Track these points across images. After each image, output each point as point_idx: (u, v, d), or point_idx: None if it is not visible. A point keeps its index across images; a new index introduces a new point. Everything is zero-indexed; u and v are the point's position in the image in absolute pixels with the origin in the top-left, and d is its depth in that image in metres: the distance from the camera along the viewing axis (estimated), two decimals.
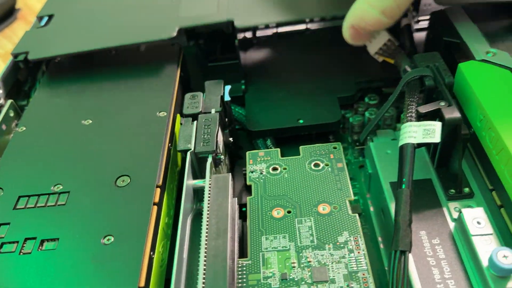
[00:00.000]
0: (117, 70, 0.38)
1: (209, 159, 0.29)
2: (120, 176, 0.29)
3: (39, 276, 0.24)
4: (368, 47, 0.42)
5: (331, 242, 0.27)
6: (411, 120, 0.29)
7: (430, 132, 0.28)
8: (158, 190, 0.28)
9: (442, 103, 0.29)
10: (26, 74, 0.42)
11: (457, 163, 0.30)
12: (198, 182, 0.29)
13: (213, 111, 0.32)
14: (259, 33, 0.48)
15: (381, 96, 0.41)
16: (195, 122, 0.31)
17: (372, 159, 0.33)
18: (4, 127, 0.36)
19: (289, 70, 0.42)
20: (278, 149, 0.33)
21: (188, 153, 0.29)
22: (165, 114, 0.33)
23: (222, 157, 0.30)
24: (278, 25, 0.47)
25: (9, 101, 0.37)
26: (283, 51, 0.45)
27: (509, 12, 0.37)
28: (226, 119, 0.35)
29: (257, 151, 0.33)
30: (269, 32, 0.48)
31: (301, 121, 0.37)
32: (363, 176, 0.37)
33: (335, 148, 0.32)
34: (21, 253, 0.25)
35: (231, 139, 0.36)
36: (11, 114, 0.37)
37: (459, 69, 0.33)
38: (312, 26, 0.47)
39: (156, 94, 0.35)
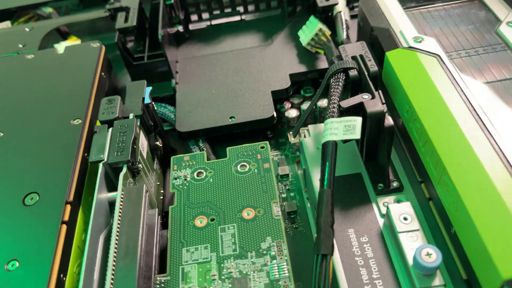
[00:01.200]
0: (32, 76, 0.35)
1: (124, 169, 0.27)
2: (28, 194, 0.27)
3: None
4: (300, 37, 0.41)
5: (254, 249, 0.25)
6: (332, 116, 0.28)
7: (351, 128, 0.26)
8: (69, 206, 0.26)
9: (365, 96, 0.28)
10: None
11: (384, 156, 0.29)
12: (113, 195, 0.27)
13: (131, 115, 0.30)
14: (192, 26, 0.45)
15: (317, 87, 0.40)
16: (110, 129, 0.29)
17: (304, 155, 0.32)
18: None
19: (222, 66, 0.40)
20: (204, 153, 0.31)
21: (100, 165, 0.27)
22: (80, 121, 0.31)
23: (141, 165, 0.29)
24: (212, 16, 0.45)
25: None
26: (217, 44, 0.43)
27: None
28: (151, 123, 0.33)
29: (182, 155, 0.31)
30: (203, 24, 0.46)
31: (233, 118, 0.36)
32: (300, 170, 0.36)
33: (262, 147, 0.31)
34: None
35: (158, 142, 0.34)
36: None
37: (386, 58, 0.32)
38: (246, 17, 0.46)
39: (70, 100, 0.32)
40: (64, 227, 0.25)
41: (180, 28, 0.43)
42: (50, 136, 0.30)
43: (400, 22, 0.33)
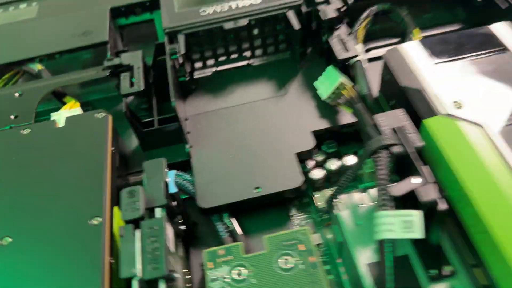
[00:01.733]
0: (32, 157, 0.31)
1: (161, 286, 0.24)
2: None
3: None
4: (318, 89, 0.38)
5: None
6: (385, 208, 0.25)
7: (409, 225, 0.25)
8: None
9: (415, 181, 0.26)
10: None
11: (438, 239, 0.27)
12: None
13: (157, 212, 0.27)
14: (197, 74, 0.42)
15: (339, 139, 0.38)
16: (137, 232, 0.26)
17: (341, 231, 0.30)
18: None
19: (237, 122, 0.37)
20: (240, 245, 0.28)
21: (135, 282, 0.24)
22: (100, 220, 0.27)
23: (176, 275, 0.26)
24: (217, 63, 0.42)
25: None
26: (226, 96, 0.40)
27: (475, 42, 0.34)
28: (175, 206, 0.30)
29: (215, 249, 0.28)
30: (208, 71, 0.42)
31: (259, 189, 0.33)
32: (331, 234, 0.34)
33: (304, 235, 0.28)
34: None
35: (182, 227, 0.31)
36: None
37: (423, 126, 0.30)
38: (254, 61, 0.43)
39: (82, 190, 0.29)
40: None
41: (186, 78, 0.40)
42: (66, 240, 0.27)
43: (435, 82, 0.31)
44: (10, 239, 0.27)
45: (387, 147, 0.28)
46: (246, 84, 0.41)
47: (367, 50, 0.41)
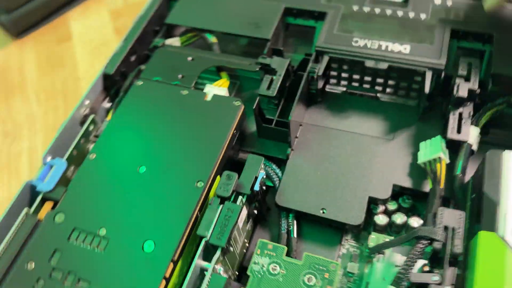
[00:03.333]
0: (180, 115, 0.42)
1: (218, 252, 0.34)
2: (146, 240, 0.35)
3: None
4: (420, 150, 0.41)
5: None
6: (396, 286, 0.31)
7: None
8: (171, 264, 0.34)
9: (435, 278, 0.31)
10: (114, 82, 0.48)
11: None
12: (206, 265, 0.35)
13: (239, 199, 0.36)
14: (327, 88, 0.48)
15: (418, 196, 0.42)
16: (220, 206, 0.36)
17: (370, 276, 0.36)
18: (82, 141, 0.44)
19: (337, 147, 0.44)
20: (285, 248, 0.37)
21: (203, 241, 0.34)
22: (202, 185, 0.38)
23: (232, 248, 0.36)
24: (349, 87, 0.47)
25: (91, 117, 0.44)
26: (343, 118, 0.46)
27: None
28: (256, 196, 0.39)
29: (267, 242, 0.37)
30: (338, 90, 0.48)
31: (324, 211, 0.40)
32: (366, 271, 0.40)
33: (333, 268, 0.35)
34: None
35: (256, 211, 0.40)
36: (91, 128, 0.45)
37: (478, 237, 0.33)
38: (382, 96, 0.47)
39: (201, 155, 0.39)
40: (164, 282, 0.34)
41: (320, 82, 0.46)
42: (173, 190, 0.38)
43: (510, 203, 0.34)
44: (145, 168, 0.39)
45: (432, 240, 0.32)
46: (365, 115, 0.46)
47: (485, 133, 0.42)
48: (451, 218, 0.33)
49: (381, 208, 0.42)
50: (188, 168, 0.39)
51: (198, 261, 0.34)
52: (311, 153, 0.44)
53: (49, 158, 0.41)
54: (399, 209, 0.42)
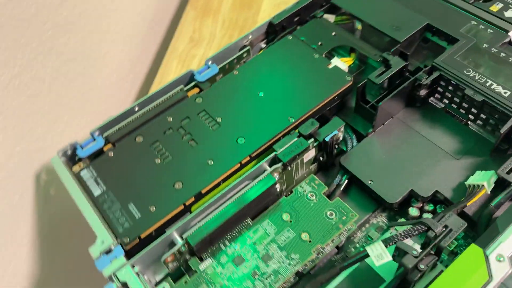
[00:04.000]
0: (306, 67, 0.56)
1: (279, 164, 0.48)
2: (241, 136, 0.51)
3: None
4: (474, 175, 0.48)
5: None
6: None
7: (380, 255, 0.40)
8: (248, 158, 0.49)
9: (415, 252, 0.40)
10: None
11: None
12: (267, 168, 0.48)
13: (310, 141, 0.49)
14: (431, 100, 0.56)
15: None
16: (296, 138, 0.49)
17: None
18: (235, 61, 0.60)
19: (411, 148, 0.52)
20: (326, 187, 0.49)
21: (273, 153, 0.48)
22: (292, 120, 0.51)
23: (291, 170, 0.49)
24: (448, 105, 0.55)
25: (247, 48, 0.60)
26: (432, 127, 0.54)
27: None
28: (327, 147, 0.51)
29: (316, 178, 0.50)
30: (437, 103, 0.55)
31: (372, 182, 0.50)
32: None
33: (351, 216, 0.46)
34: None
35: (321, 158, 0.53)
36: (244, 55, 0.61)
37: (468, 247, 0.40)
38: (472, 125, 0.53)
39: (301, 102, 0.52)
40: (238, 165, 0.49)
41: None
42: (275, 115, 0.52)
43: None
44: (262, 94, 0.54)
45: (429, 228, 0.41)
46: (447, 132, 0.53)
47: None
48: (455, 222, 0.41)
49: (418, 204, 0.50)
50: (289, 106, 0.52)
51: (263, 164, 0.48)
52: (387, 140, 0.53)
53: (209, 62, 0.59)
54: (433, 212, 0.50)
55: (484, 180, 0.46)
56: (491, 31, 0.55)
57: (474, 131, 0.53)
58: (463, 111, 0.53)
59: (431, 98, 0.56)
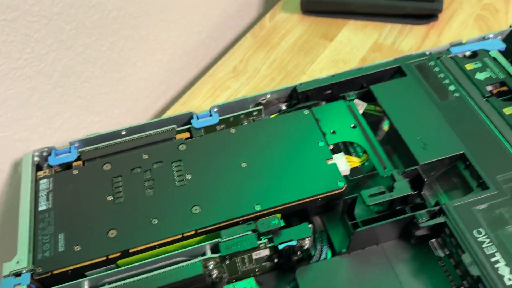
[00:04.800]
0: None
1: (214, 255, 0.43)
2: (195, 205, 0.46)
3: None
4: None
5: None
6: None
7: None
8: (193, 232, 0.45)
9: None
10: None
11: None
12: (206, 255, 0.44)
13: (262, 241, 0.43)
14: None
15: None
16: (249, 232, 0.43)
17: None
18: None
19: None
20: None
21: (218, 239, 0.43)
22: (258, 208, 0.45)
23: (232, 262, 0.43)
24: None
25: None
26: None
27: None
28: None
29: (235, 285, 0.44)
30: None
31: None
32: None
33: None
34: None
35: (275, 260, 0.46)
36: None
37: None
38: None
39: (279, 190, 0.47)
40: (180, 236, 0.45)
41: None
42: (241, 195, 0.47)
43: None
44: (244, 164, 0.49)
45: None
46: None
47: None
48: None
49: None
50: (264, 190, 0.47)
51: (205, 246, 0.43)
52: (359, 269, 0.45)
53: (214, 110, 0.55)
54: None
55: None
56: None
57: None
58: (459, 274, 0.44)
59: (433, 240, 0.47)
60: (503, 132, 0.49)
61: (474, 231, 0.42)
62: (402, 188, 0.45)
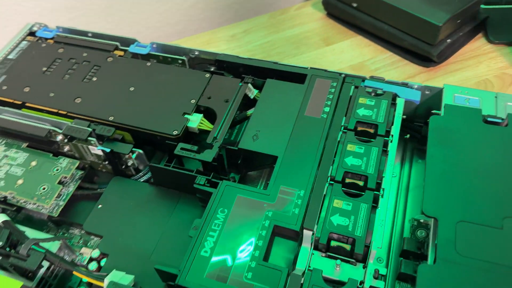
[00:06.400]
0: None
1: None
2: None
3: None
4: None
5: None
6: None
7: None
8: None
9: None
10: None
11: None
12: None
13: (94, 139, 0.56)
14: None
15: None
16: None
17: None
18: None
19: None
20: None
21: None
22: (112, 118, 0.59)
23: None
24: None
25: None
26: None
27: None
28: None
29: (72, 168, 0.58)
30: None
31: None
32: None
33: None
34: None
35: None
36: None
37: None
38: None
39: None
40: None
41: None
42: None
43: None
44: None
45: None
46: None
47: None
48: None
49: None
50: (125, 108, 0.59)
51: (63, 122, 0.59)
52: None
53: (154, 45, 0.68)
54: None
55: None
56: None
57: None
58: None
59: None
60: (324, 158, 0.52)
61: (221, 208, 0.49)
62: (207, 155, 0.53)
